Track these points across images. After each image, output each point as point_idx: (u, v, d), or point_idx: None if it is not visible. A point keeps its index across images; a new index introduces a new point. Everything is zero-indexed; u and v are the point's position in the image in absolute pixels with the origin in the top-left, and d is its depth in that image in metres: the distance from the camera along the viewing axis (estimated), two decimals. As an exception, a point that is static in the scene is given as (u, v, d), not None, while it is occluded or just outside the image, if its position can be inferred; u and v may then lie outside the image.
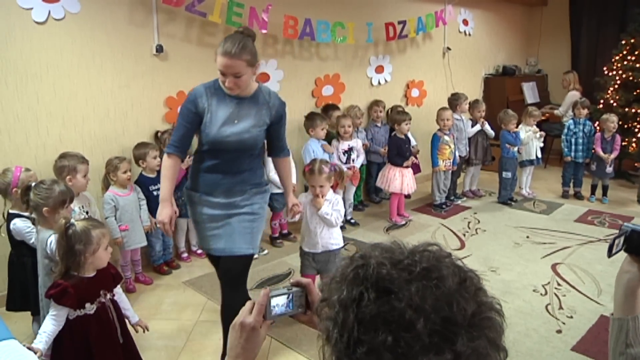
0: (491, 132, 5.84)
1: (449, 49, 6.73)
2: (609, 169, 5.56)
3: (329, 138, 4.79)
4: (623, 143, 5.70)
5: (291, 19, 4.65)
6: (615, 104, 6.33)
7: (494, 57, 7.78)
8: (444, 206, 5.52)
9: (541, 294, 3.58)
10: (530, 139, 5.67)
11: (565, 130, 5.84)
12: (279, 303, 1.08)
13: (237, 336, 1.05)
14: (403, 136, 5.11)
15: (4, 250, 3.03)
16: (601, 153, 5.53)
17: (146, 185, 3.84)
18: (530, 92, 7.65)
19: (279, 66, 4.84)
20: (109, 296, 2.34)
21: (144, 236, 3.77)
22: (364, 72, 5.76)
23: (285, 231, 4.74)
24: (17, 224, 2.77)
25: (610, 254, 1.24)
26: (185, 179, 4.05)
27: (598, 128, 5.95)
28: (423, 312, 0.72)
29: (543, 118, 6.62)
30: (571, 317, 3.27)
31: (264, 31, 4.41)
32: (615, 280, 1.25)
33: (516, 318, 3.22)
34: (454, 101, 5.75)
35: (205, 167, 2.57)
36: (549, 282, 3.75)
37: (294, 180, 4.51)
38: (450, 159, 5.39)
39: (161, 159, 3.90)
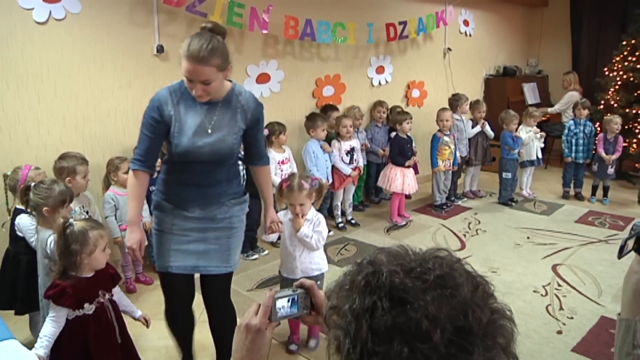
0: (491, 133, 5.84)
1: (449, 49, 6.73)
2: (611, 170, 5.56)
3: (327, 139, 4.79)
4: (624, 144, 5.69)
5: (292, 20, 4.65)
6: (615, 105, 6.33)
7: (494, 58, 7.78)
8: (444, 207, 5.52)
9: (541, 295, 3.58)
10: (530, 139, 5.67)
11: (566, 131, 5.84)
12: (284, 305, 1.08)
13: (243, 338, 1.05)
14: (405, 136, 5.11)
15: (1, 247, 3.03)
16: (603, 154, 5.52)
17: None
18: (530, 92, 7.65)
19: (280, 67, 4.84)
20: (107, 296, 2.34)
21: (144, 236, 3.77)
22: (365, 73, 5.76)
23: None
24: (24, 219, 2.77)
25: (620, 255, 1.22)
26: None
27: (599, 129, 5.96)
28: (439, 323, 0.70)
29: (543, 119, 6.62)
30: (571, 317, 3.27)
31: (264, 31, 4.42)
32: (623, 280, 1.24)
33: (516, 319, 3.16)
34: (455, 102, 5.75)
35: (177, 180, 2.30)
36: (549, 283, 3.75)
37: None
38: (449, 160, 5.39)
39: (161, 158, 3.92)
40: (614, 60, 6.52)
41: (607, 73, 6.62)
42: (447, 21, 6.29)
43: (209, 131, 2.19)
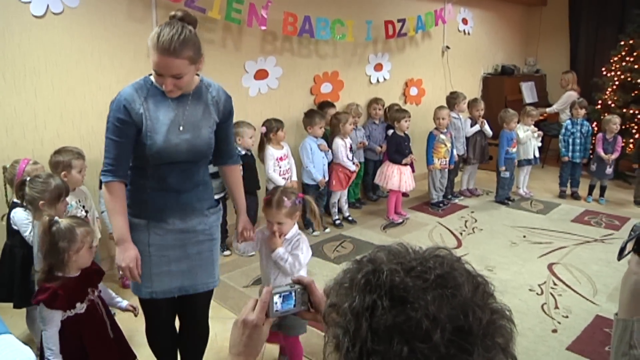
0: (489, 132, 5.85)
1: (448, 47, 6.73)
2: (609, 170, 5.58)
3: (323, 136, 4.78)
4: (621, 144, 5.71)
5: (290, 16, 4.64)
6: (613, 105, 6.34)
7: (492, 57, 7.79)
8: (441, 205, 5.52)
9: (537, 294, 3.59)
10: (528, 138, 5.68)
11: (563, 130, 5.85)
12: (282, 301, 1.07)
13: (240, 333, 1.05)
14: (402, 134, 5.12)
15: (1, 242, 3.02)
16: (602, 154, 5.53)
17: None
18: (528, 91, 7.66)
19: (278, 63, 4.84)
20: (96, 293, 2.33)
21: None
22: (363, 70, 5.76)
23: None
24: (18, 213, 2.77)
25: (620, 256, 1.22)
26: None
27: (596, 128, 5.96)
28: (439, 322, 0.70)
29: (541, 118, 6.63)
30: (567, 316, 3.28)
31: (263, 28, 4.41)
32: (621, 281, 1.25)
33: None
34: (453, 100, 5.76)
35: (151, 187, 2.09)
36: (545, 282, 3.76)
37: (293, 177, 4.53)
38: (445, 158, 5.40)
39: None
40: (611, 60, 6.53)
41: (604, 73, 6.63)
42: (445, 19, 6.28)
43: (183, 127, 2.02)
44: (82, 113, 3.72)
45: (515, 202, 5.71)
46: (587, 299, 3.50)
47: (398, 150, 5.07)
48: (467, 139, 5.81)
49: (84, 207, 3.23)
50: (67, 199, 2.80)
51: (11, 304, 2.90)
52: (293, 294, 1.08)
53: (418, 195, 5.90)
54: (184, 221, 2.13)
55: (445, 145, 5.36)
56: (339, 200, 5.08)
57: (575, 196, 5.86)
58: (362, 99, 5.71)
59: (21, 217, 2.76)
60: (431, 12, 6.04)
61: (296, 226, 2.54)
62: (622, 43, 6.42)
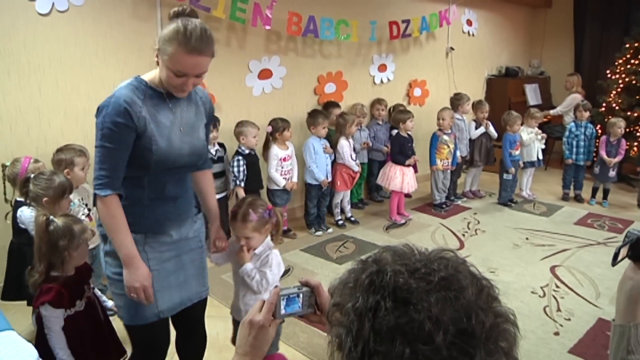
0: (494, 134, 5.84)
1: (452, 49, 6.72)
2: (612, 173, 5.56)
3: (327, 136, 4.78)
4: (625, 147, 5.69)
5: (295, 16, 4.64)
6: (617, 108, 6.32)
7: (497, 58, 7.78)
8: (444, 206, 5.52)
9: (539, 296, 3.58)
10: (531, 140, 5.67)
11: (567, 133, 5.84)
12: (289, 302, 1.08)
13: (246, 334, 1.06)
14: (406, 135, 5.11)
15: (3, 240, 3.03)
16: (605, 157, 5.52)
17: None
18: (532, 93, 7.65)
19: (282, 63, 4.84)
20: (91, 290, 2.34)
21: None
22: (367, 71, 5.76)
23: (285, 228, 4.74)
24: (25, 211, 2.78)
25: (614, 262, 1.23)
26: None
27: (600, 131, 5.95)
28: (442, 325, 0.70)
29: (545, 120, 6.62)
30: (569, 319, 3.27)
31: (267, 27, 4.41)
32: (617, 286, 1.25)
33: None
34: (456, 101, 5.76)
35: (149, 197, 1.90)
36: (547, 284, 3.75)
37: (294, 178, 4.53)
38: (448, 159, 5.39)
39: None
40: (616, 63, 6.51)
41: (609, 75, 6.60)
42: (450, 20, 6.28)
43: (183, 129, 1.90)
44: (86, 111, 3.72)
45: (518, 204, 5.70)
46: (590, 302, 3.49)
47: (401, 151, 5.07)
48: (472, 141, 5.80)
49: (86, 205, 3.24)
50: (70, 196, 2.81)
51: (15, 302, 2.91)
52: (300, 296, 1.08)
53: (421, 196, 5.90)
54: (180, 230, 2.00)
55: (448, 146, 5.35)
56: (341, 201, 5.08)
57: (578, 199, 5.85)
58: (366, 99, 5.71)
59: (28, 216, 2.77)
60: (435, 13, 6.03)
61: (267, 240, 2.35)
62: (627, 45, 6.40)
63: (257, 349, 1.05)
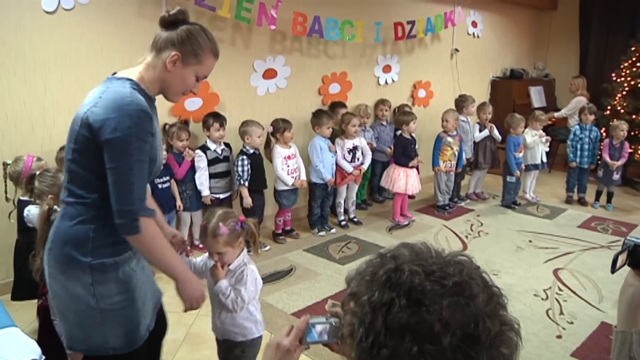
0: (498, 136, 5.83)
1: (457, 50, 6.72)
2: (616, 176, 5.54)
3: (332, 135, 4.78)
4: (629, 150, 5.67)
5: (300, 16, 4.65)
6: (622, 111, 6.30)
7: (501, 60, 7.76)
8: (447, 208, 5.51)
9: (542, 299, 3.57)
10: (535, 143, 5.66)
11: (571, 136, 5.82)
12: (317, 331, 1.12)
13: (272, 355, 1.11)
14: (409, 136, 5.11)
15: (8, 238, 3.04)
16: (608, 160, 5.50)
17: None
18: (537, 96, 7.63)
19: (287, 63, 4.84)
20: None
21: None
22: (372, 71, 5.76)
23: (288, 228, 4.74)
24: (32, 210, 2.78)
25: (613, 269, 1.24)
26: (191, 171, 4.08)
27: (604, 134, 5.93)
28: (450, 328, 0.74)
29: (549, 123, 6.60)
30: (572, 322, 3.26)
31: (272, 27, 4.41)
32: (619, 293, 1.25)
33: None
34: (461, 103, 5.75)
35: None
36: (550, 287, 3.75)
37: (302, 176, 4.52)
38: (451, 161, 5.38)
39: (167, 151, 3.91)
40: (622, 66, 6.49)
41: (614, 79, 6.58)
42: (455, 22, 6.27)
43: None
44: None
45: (521, 206, 5.69)
46: (593, 305, 3.48)
47: (404, 152, 5.06)
48: (477, 144, 5.79)
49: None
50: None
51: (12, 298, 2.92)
52: (328, 326, 1.12)
53: (424, 197, 5.89)
54: None
55: (452, 148, 5.34)
56: (345, 201, 5.08)
57: (582, 202, 5.84)
58: (370, 100, 5.70)
59: (35, 214, 2.78)
60: (441, 15, 6.03)
61: (243, 254, 2.19)
62: (633, 49, 6.38)
63: None
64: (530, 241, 4.67)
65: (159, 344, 2.18)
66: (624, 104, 6.32)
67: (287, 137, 4.41)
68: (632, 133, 6.10)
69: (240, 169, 4.13)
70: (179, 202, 4.04)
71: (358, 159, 4.92)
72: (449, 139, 5.33)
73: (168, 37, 1.70)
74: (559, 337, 3.10)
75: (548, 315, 3.35)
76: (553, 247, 4.52)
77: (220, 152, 4.17)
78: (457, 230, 4.98)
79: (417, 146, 5.23)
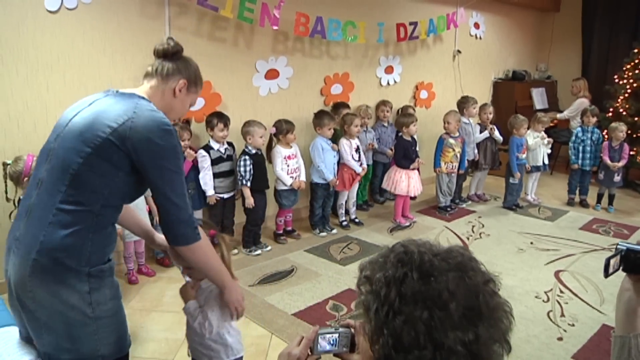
0: (500, 138, 5.83)
1: (459, 51, 6.72)
2: (617, 178, 5.53)
3: (334, 136, 4.78)
4: (631, 152, 5.67)
5: (303, 16, 4.65)
6: (624, 113, 6.29)
7: (504, 62, 7.76)
8: (448, 209, 5.51)
9: (543, 301, 3.57)
10: (537, 145, 5.65)
11: (573, 138, 5.81)
12: (326, 341, 1.18)
13: None
14: (410, 138, 5.10)
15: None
16: (608, 161, 5.50)
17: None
18: (539, 97, 7.63)
19: (289, 63, 4.84)
20: None
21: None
22: (374, 72, 5.76)
23: (289, 228, 4.74)
24: None
25: (606, 273, 1.25)
26: (193, 171, 4.08)
27: (606, 136, 5.93)
28: (456, 297, 0.87)
29: (551, 124, 6.60)
30: (573, 325, 3.26)
31: (275, 27, 4.41)
32: (616, 298, 1.26)
33: (517, 324, 3.18)
34: (462, 104, 5.75)
35: (114, 223, 1.77)
36: (551, 289, 3.74)
37: (302, 177, 4.52)
38: (452, 162, 5.38)
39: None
40: (624, 68, 6.48)
41: (617, 81, 6.57)
42: (457, 23, 6.27)
43: None
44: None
45: (523, 208, 5.68)
46: (594, 308, 3.47)
47: (406, 155, 5.06)
48: (477, 144, 5.79)
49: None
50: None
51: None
52: (337, 335, 1.18)
53: (426, 199, 5.89)
54: None
55: (453, 149, 5.34)
56: (346, 202, 5.08)
57: (583, 204, 5.83)
58: (372, 101, 5.70)
59: None
60: (443, 16, 6.03)
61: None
62: (636, 51, 6.36)
63: None
64: (531, 243, 4.67)
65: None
66: (626, 106, 6.31)
67: (290, 138, 4.41)
68: (634, 135, 6.10)
69: (242, 169, 4.13)
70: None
71: (361, 159, 4.94)
72: (451, 141, 5.33)
73: (174, 66, 1.85)
74: (560, 339, 3.09)
75: (549, 317, 3.35)
76: (554, 249, 4.51)
77: (223, 152, 4.17)
78: (458, 231, 4.98)
79: (418, 147, 5.23)
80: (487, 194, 6.10)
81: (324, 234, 4.76)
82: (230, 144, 4.26)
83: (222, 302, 1.92)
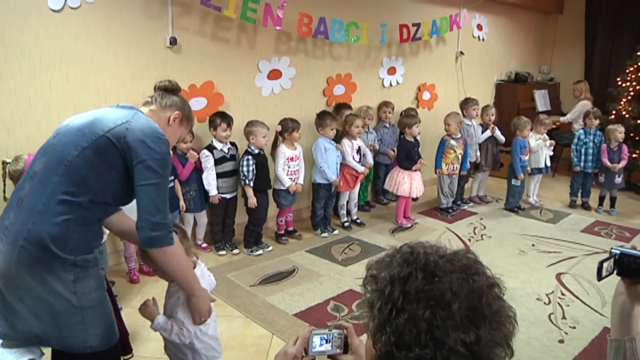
0: (502, 138, 5.82)
1: (462, 53, 6.71)
2: (618, 180, 5.52)
3: (337, 136, 4.78)
4: (633, 155, 5.65)
5: (306, 17, 4.65)
6: (627, 116, 6.29)
7: (506, 63, 7.75)
8: (450, 210, 5.51)
9: (544, 303, 3.56)
10: (539, 147, 5.65)
11: (576, 140, 5.81)
12: (319, 342, 1.21)
13: None
14: (412, 139, 5.10)
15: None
16: (608, 163, 5.49)
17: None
18: (541, 99, 7.62)
19: (292, 63, 4.84)
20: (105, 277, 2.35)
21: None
22: (376, 73, 5.75)
23: (290, 228, 4.74)
24: None
25: (600, 277, 1.26)
26: (195, 172, 4.09)
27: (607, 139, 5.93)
28: (459, 297, 0.88)
29: (553, 126, 6.59)
30: (574, 327, 3.25)
31: (278, 28, 4.42)
32: (611, 302, 1.26)
33: (519, 326, 3.20)
34: (463, 106, 5.75)
35: (100, 217, 1.84)
36: (552, 292, 3.74)
37: (300, 179, 4.52)
38: (454, 164, 5.37)
39: (172, 151, 3.91)
40: (627, 71, 6.48)
41: (619, 83, 6.57)
42: (460, 25, 6.27)
43: None
44: (96, 107, 3.64)
45: (525, 210, 5.68)
46: (595, 310, 3.47)
47: (408, 156, 5.06)
48: (479, 146, 5.79)
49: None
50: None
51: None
52: (330, 337, 1.21)
53: (427, 200, 5.88)
54: None
55: (455, 151, 5.33)
56: (348, 203, 5.08)
57: (585, 206, 5.82)
58: (375, 102, 5.70)
59: None
60: (446, 17, 6.03)
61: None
62: (639, 53, 6.36)
63: None
64: (533, 245, 4.66)
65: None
66: (629, 109, 6.30)
67: (295, 137, 4.41)
68: (637, 138, 6.09)
69: (245, 169, 4.13)
70: (182, 203, 4.04)
71: (362, 161, 4.94)
72: (453, 142, 5.32)
73: (172, 99, 2.01)
74: (561, 341, 3.09)
75: (550, 319, 3.35)
76: (556, 252, 4.51)
77: (227, 151, 4.17)
78: (460, 233, 4.97)
79: (420, 149, 5.23)
80: (488, 196, 6.10)
81: (325, 234, 4.76)
82: (233, 144, 4.27)
83: (189, 308, 1.94)
